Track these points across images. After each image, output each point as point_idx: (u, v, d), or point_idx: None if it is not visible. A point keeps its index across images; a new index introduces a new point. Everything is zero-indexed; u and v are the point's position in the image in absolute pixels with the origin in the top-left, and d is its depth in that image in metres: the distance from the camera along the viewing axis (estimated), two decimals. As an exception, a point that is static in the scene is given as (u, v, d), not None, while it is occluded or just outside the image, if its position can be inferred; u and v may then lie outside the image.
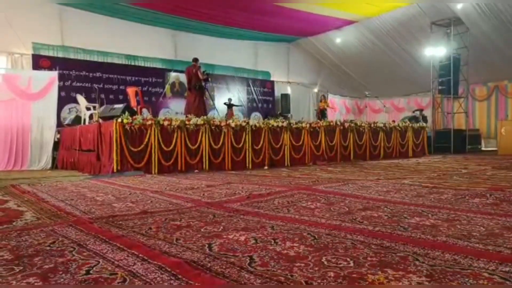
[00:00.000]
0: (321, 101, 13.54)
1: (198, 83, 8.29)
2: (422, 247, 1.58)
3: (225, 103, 12.04)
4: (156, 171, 5.74)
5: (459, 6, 10.30)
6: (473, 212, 2.33)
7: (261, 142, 6.92)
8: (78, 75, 9.89)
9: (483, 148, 12.16)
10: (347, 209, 2.53)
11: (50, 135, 7.76)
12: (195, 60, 8.41)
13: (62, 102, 8.99)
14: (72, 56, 10.04)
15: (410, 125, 9.88)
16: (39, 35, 9.55)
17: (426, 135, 10.46)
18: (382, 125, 9.08)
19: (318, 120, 9.39)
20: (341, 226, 2.03)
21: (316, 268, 1.35)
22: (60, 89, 8.59)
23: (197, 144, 6.20)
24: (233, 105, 12.15)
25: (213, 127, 6.39)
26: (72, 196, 3.37)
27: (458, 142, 11.06)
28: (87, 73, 10.05)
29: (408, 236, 1.78)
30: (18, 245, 1.75)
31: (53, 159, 7.78)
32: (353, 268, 1.35)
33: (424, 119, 11.99)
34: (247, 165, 6.70)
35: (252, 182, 4.39)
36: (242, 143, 6.69)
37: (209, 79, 8.82)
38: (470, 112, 12.76)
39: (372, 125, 8.86)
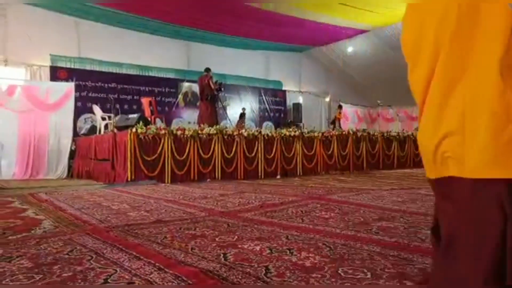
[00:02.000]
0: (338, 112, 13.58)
1: (210, 93, 8.37)
2: (440, 258, 1.55)
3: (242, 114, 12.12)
4: (169, 180, 5.78)
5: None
6: (492, 223, 2.28)
7: (274, 151, 6.92)
8: (94, 86, 10.10)
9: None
10: (362, 219, 2.51)
11: (66, 144, 7.91)
12: (207, 70, 8.50)
13: (78, 112, 9.18)
14: (88, 67, 10.26)
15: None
16: (57, 48, 9.80)
17: (441, 144, 10.31)
18: (395, 134, 9.00)
19: (331, 130, 9.39)
20: (357, 236, 2.01)
21: (333, 280, 1.35)
22: (77, 99, 8.79)
23: (210, 153, 6.24)
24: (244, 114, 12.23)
25: (225, 137, 6.43)
26: (88, 205, 3.42)
27: (474, 152, 10.86)
28: (102, 84, 10.25)
29: (426, 247, 1.75)
30: (37, 253, 1.78)
31: (69, 168, 7.92)
32: (371, 280, 1.33)
33: (439, 128, 11.82)
34: (260, 174, 6.70)
35: (265, 191, 4.39)
36: (254, 152, 6.71)
37: (222, 88, 8.90)
38: (485, 121, 12.54)
39: (385, 134, 8.79)
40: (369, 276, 1.38)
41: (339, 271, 1.43)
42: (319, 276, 1.39)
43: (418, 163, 9.28)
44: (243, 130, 6.76)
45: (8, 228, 2.39)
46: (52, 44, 9.71)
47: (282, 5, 9.70)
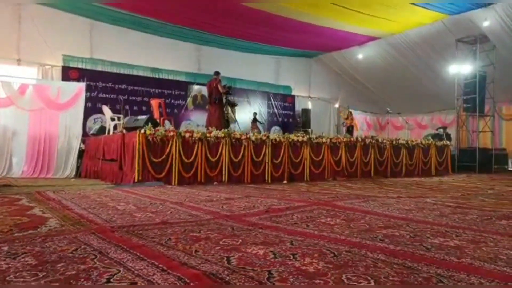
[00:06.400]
0: (347, 118, 13.53)
1: (218, 96, 8.40)
2: (446, 268, 1.53)
3: (254, 119, 12.28)
4: (176, 182, 5.79)
5: (485, 23, 10.13)
6: (500, 234, 2.25)
7: (281, 156, 6.90)
8: (104, 87, 10.19)
9: (510, 168, 11.75)
10: (367, 226, 2.49)
11: (75, 144, 7.98)
12: (217, 73, 8.53)
13: (88, 112, 9.25)
14: (99, 68, 10.37)
15: (434, 142, 9.67)
16: (69, 48, 9.93)
17: (450, 153, 10.20)
18: (404, 142, 8.93)
19: (349, 135, 9.39)
20: (362, 243, 1.99)
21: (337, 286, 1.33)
22: (87, 99, 8.86)
23: (217, 156, 6.25)
24: (257, 120, 12.37)
25: (233, 140, 6.43)
26: (94, 205, 3.44)
27: (484, 162, 10.73)
28: (113, 85, 10.35)
29: (432, 256, 1.73)
30: (42, 251, 1.80)
31: (77, 167, 7.98)
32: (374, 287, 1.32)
33: (448, 137, 11.72)
34: (266, 178, 6.68)
35: (271, 196, 4.37)
36: (262, 157, 6.69)
37: (230, 92, 8.92)
38: (496, 131, 12.39)
39: (394, 142, 8.72)
40: (372, 283, 1.36)
41: (343, 278, 1.41)
42: (322, 282, 1.37)
43: (426, 172, 9.19)
44: (251, 134, 6.75)
45: (14, 225, 2.42)
46: (64, 44, 9.84)
47: (293, 11, 9.72)
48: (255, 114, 12.54)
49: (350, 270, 1.51)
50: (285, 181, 6.77)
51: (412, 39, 11.76)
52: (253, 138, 6.61)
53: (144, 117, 6.82)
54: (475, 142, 11.66)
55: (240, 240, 2.05)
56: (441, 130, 12.27)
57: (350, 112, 13.70)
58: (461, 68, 11.46)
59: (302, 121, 14.05)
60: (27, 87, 7.79)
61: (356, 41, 12.50)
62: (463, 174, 9.64)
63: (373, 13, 9.95)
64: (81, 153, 8.17)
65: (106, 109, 8.63)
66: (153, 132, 5.72)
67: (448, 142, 10.40)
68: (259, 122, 12.72)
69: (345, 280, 1.39)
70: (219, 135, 6.28)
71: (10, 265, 1.55)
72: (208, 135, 6.20)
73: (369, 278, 1.41)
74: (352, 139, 8.05)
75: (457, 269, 1.52)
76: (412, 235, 2.19)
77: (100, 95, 10.08)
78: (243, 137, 6.55)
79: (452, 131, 12.58)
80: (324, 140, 7.54)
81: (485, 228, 2.43)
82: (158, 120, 7.95)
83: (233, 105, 8.56)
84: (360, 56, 13.27)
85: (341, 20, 10.47)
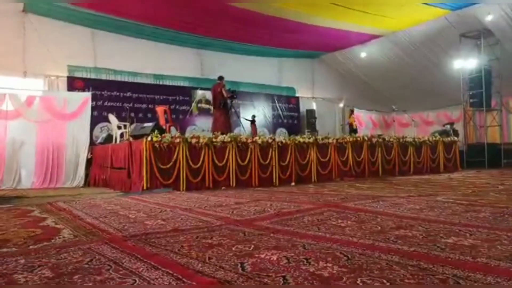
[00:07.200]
0: (349, 116, 13.50)
1: (223, 101, 8.42)
2: (462, 269, 1.52)
3: (247, 119, 12.18)
4: (184, 188, 5.81)
5: (488, 17, 10.08)
6: (514, 231, 2.23)
7: (288, 158, 6.90)
8: (110, 95, 10.27)
9: (520, 162, 11.64)
10: (379, 227, 2.48)
11: (83, 153, 8.03)
12: (220, 78, 8.56)
13: (94, 121, 9.31)
14: (104, 77, 10.45)
15: (441, 139, 9.61)
16: (73, 58, 10.02)
17: (458, 150, 10.13)
18: (411, 139, 8.88)
19: (354, 134, 9.37)
20: (375, 245, 1.98)
21: (352, 290, 1.33)
22: (93, 109, 8.92)
23: (224, 161, 6.26)
24: (254, 121, 12.29)
25: (239, 144, 6.44)
26: (105, 214, 3.46)
27: (493, 157, 10.64)
28: (118, 93, 10.42)
29: (446, 257, 1.72)
30: (58, 262, 1.81)
31: (86, 176, 8.04)
32: (390, 291, 1.31)
33: (455, 133, 11.64)
34: (274, 181, 6.68)
35: (280, 199, 4.37)
36: (268, 160, 6.70)
37: (235, 96, 8.93)
38: (504, 125, 12.28)
39: (401, 140, 8.68)
40: (388, 286, 1.35)
41: (358, 282, 1.41)
42: (338, 286, 1.37)
43: (435, 169, 9.13)
44: (257, 137, 6.76)
45: (29, 237, 2.44)
46: (69, 54, 9.93)
47: (292, 11, 9.73)
48: (253, 116, 12.49)
49: (364, 273, 1.51)
50: (293, 183, 6.76)
51: (414, 36, 11.72)
52: (259, 141, 6.62)
53: (150, 124, 6.85)
54: (483, 137, 11.57)
55: (253, 246, 2.05)
56: (448, 126, 12.19)
57: (352, 111, 13.69)
58: (465, 63, 11.39)
59: (312, 122, 13.90)
60: (34, 99, 7.87)
61: (358, 40, 12.47)
62: (472, 170, 9.56)
63: (374, 11, 9.94)
64: (89, 162, 8.23)
65: (112, 117, 8.69)
66: (160, 139, 5.75)
67: (455, 138, 10.34)
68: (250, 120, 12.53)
69: (361, 284, 1.39)
70: (225, 140, 6.30)
71: (28, 278, 1.57)
72: (214, 140, 6.22)
73: (385, 281, 1.40)
74: (358, 139, 8.02)
75: (473, 269, 1.51)
76: (425, 235, 2.18)
77: (106, 103, 10.16)
78: (249, 140, 6.55)
79: (459, 127, 12.48)
80: (330, 140, 7.52)
81: (499, 226, 2.41)
82: (164, 127, 7.99)
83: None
84: (363, 55, 13.24)
85: (342, 20, 10.46)
